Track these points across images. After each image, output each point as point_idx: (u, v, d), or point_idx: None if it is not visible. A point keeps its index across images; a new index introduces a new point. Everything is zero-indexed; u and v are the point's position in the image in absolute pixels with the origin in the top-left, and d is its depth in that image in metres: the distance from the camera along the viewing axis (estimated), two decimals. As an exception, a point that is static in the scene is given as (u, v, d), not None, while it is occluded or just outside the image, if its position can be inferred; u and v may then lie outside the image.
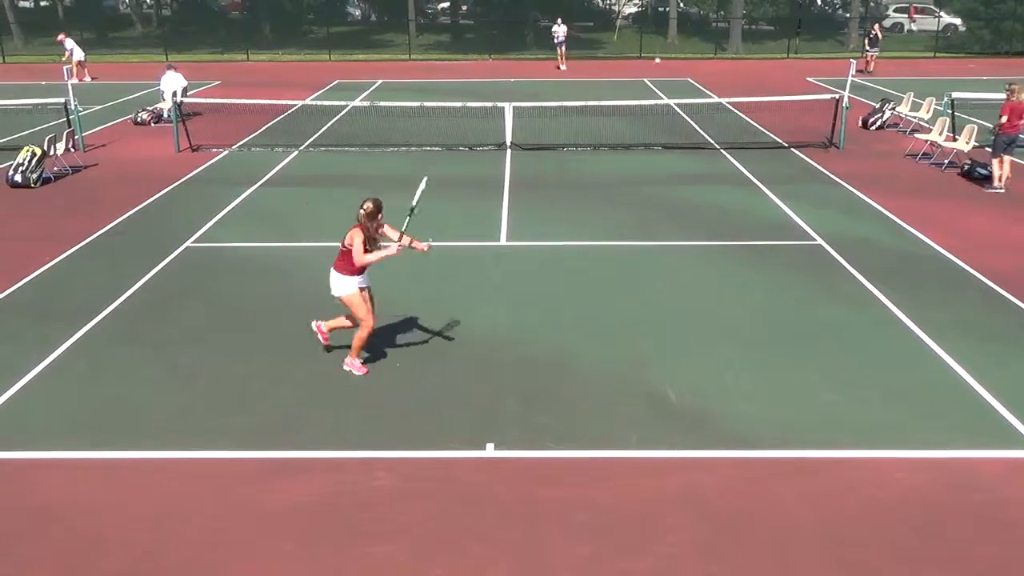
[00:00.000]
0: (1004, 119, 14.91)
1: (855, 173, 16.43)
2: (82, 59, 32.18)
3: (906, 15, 50.51)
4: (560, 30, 35.45)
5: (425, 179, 8.93)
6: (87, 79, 31.82)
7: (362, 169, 17.28)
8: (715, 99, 24.14)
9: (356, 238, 8.10)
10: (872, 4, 48.26)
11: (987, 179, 15.35)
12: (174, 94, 20.04)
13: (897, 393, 7.97)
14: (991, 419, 7.53)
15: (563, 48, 35.81)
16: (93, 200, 14.97)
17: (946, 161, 16.99)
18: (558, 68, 35.60)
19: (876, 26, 35.37)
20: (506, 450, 7.08)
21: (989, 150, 15.46)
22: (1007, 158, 15.13)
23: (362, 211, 8.14)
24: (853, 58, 23.57)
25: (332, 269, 8.25)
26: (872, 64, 32.82)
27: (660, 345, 9.03)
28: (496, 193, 15.17)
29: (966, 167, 16.09)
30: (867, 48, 33.14)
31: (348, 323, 8.55)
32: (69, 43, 31.98)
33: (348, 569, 5.73)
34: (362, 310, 8.25)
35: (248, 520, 6.23)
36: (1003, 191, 15.01)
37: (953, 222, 13.30)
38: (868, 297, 10.31)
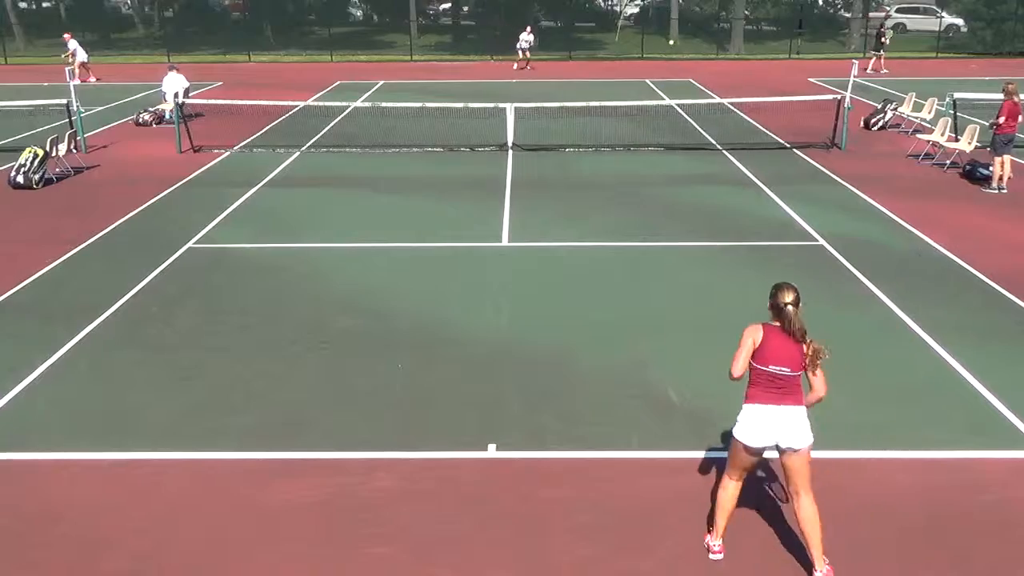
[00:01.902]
0: (1001, 120, 14.94)
1: (857, 174, 16.42)
2: (85, 60, 32.18)
3: (908, 15, 50.47)
4: (529, 38, 35.61)
5: None
6: (92, 80, 31.84)
7: (364, 170, 17.29)
8: (717, 99, 24.13)
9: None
10: (874, 4, 48.20)
11: (989, 179, 15.33)
12: (176, 95, 20.05)
13: (898, 393, 7.97)
14: (993, 419, 7.52)
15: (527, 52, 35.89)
16: (95, 201, 14.99)
17: (948, 161, 16.97)
18: (524, 68, 35.65)
19: (882, 26, 35.47)
20: (507, 451, 7.08)
21: (990, 150, 15.46)
22: (1007, 158, 15.13)
23: (791, 306, 5.49)
24: (855, 58, 23.56)
25: (788, 407, 5.55)
26: (871, 65, 32.88)
27: (661, 345, 9.03)
28: (497, 194, 15.17)
29: (968, 168, 16.07)
30: (882, 45, 33.26)
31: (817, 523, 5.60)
32: (72, 43, 31.99)
33: (349, 570, 5.73)
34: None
35: (249, 521, 6.23)
36: (1005, 191, 15.01)
37: (955, 222, 13.29)
38: (870, 297, 10.30)
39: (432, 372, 8.47)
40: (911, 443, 7.15)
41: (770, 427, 5.54)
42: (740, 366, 5.60)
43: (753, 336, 5.58)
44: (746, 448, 5.64)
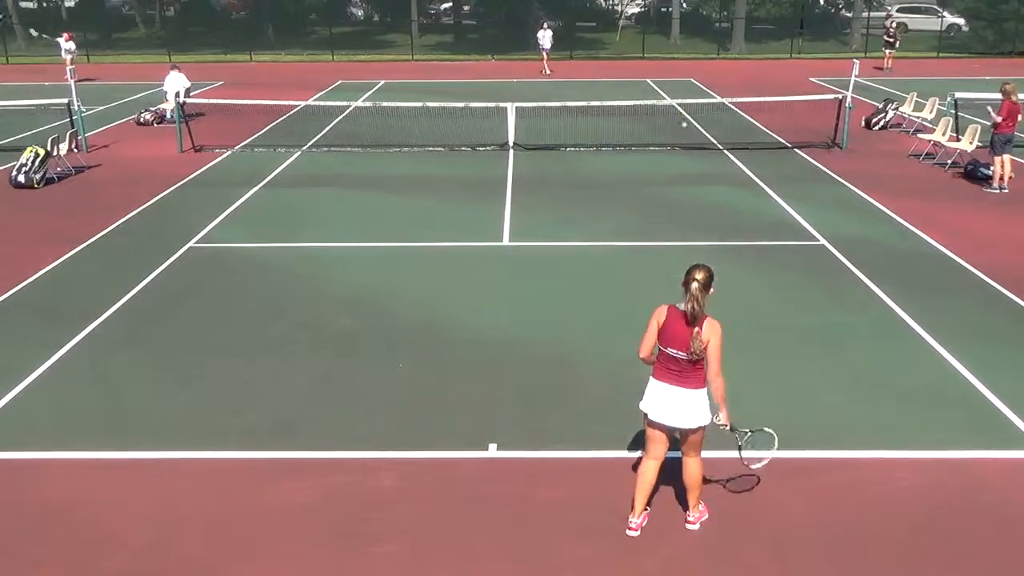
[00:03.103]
0: (999, 119, 14.96)
1: (858, 173, 16.41)
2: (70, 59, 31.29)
3: (909, 15, 50.42)
4: (547, 35, 34.61)
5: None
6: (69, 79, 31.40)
7: (365, 169, 17.30)
8: (718, 99, 24.11)
9: (716, 334, 5.59)
10: (875, 3, 48.18)
11: (990, 179, 15.33)
12: (177, 94, 20.06)
13: (899, 393, 7.96)
14: (994, 419, 7.52)
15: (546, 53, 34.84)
16: (96, 201, 14.99)
17: (949, 161, 16.96)
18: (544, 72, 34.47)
19: (893, 24, 35.53)
20: (508, 450, 7.08)
21: (988, 150, 15.46)
22: (1007, 157, 15.13)
23: (697, 283, 5.55)
24: (857, 57, 23.52)
25: (683, 389, 5.69)
26: (890, 62, 33.01)
27: (662, 345, 9.01)
28: (498, 193, 15.17)
29: (969, 167, 16.06)
30: (890, 44, 33.32)
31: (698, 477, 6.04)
32: (64, 44, 31.61)
33: (349, 569, 5.73)
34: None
35: (249, 520, 6.23)
36: (1006, 191, 15.01)
37: (956, 222, 13.28)
38: (871, 297, 10.29)
39: (432, 372, 8.47)
40: (912, 443, 7.15)
41: (666, 405, 5.75)
42: (644, 349, 5.84)
43: (658, 318, 5.74)
44: (647, 420, 5.88)
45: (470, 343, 9.08)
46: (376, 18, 54.35)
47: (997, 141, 15.10)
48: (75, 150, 17.89)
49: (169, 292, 10.65)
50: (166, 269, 11.42)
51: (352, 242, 12.62)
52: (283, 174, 16.92)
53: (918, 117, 20.50)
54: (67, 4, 50.41)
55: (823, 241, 12.34)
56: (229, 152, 18.90)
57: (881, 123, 21.14)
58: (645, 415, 5.91)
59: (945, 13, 45.71)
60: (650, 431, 5.94)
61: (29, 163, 15.83)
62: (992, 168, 15.26)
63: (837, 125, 18.94)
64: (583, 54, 41.80)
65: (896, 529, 6.06)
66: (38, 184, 15.81)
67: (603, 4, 56.68)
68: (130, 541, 6.01)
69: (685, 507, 6.11)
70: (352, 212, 14.24)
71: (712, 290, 5.65)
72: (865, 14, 43.56)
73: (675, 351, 5.64)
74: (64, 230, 13.12)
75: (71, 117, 18.83)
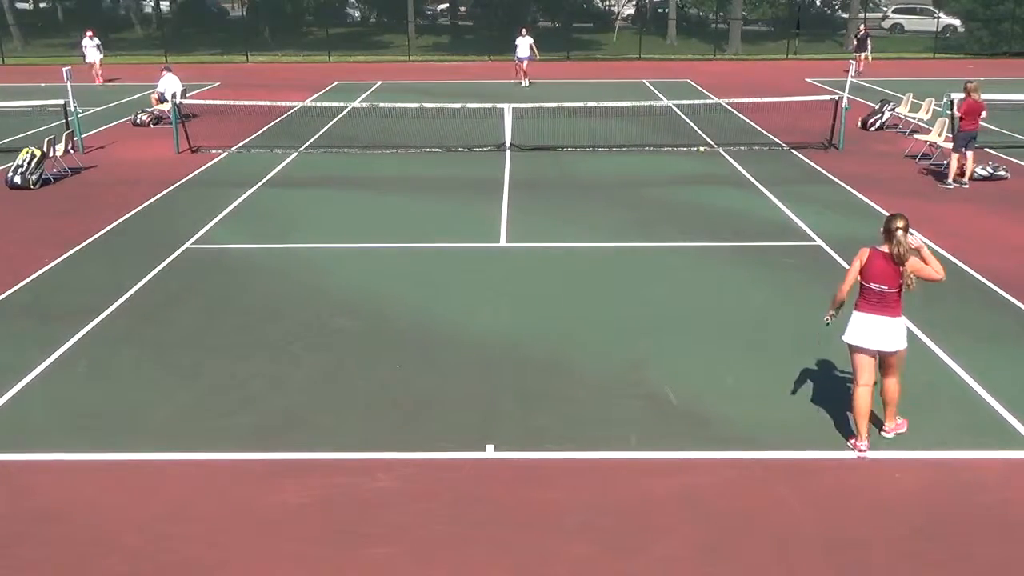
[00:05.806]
0: (959, 114, 15.30)
1: (854, 174, 16.44)
2: (95, 60, 32.02)
3: (905, 16, 50.51)
4: (524, 41, 30.60)
5: None
6: (98, 81, 31.72)
7: (362, 170, 17.29)
8: (714, 100, 24.13)
9: (918, 259, 6.66)
10: (872, 4, 48.27)
11: (985, 179, 15.45)
12: (173, 96, 20.05)
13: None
14: (991, 419, 7.53)
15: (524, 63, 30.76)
16: (92, 202, 14.97)
17: (945, 162, 16.98)
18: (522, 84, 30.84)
19: (863, 27, 35.42)
20: (505, 451, 7.09)
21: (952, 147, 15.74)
22: (969, 155, 15.44)
23: (900, 230, 6.58)
24: (852, 58, 23.57)
25: (887, 318, 6.71)
26: (862, 65, 32.63)
27: (660, 346, 9.03)
28: (495, 194, 15.17)
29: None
30: (863, 48, 33.08)
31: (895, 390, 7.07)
32: (86, 42, 31.92)
33: (348, 570, 5.73)
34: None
35: (248, 521, 6.23)
36: (966, 187, 15.25)
37: (952, 222, 13.30)
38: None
39: (430, 372, 8.47)
40: (910, 443, 7.15)
41: (869, 332, 6.71)
42: (847, 286, 6.90)
43: (860, 258, 6.80)
44: (852, 348, 6.83)
45: (467, 344, 9.08)
46: (373, 19, 54.30)
47: (960, 138, 15.32)
48: (71, 151, 17.84)
49: (167, 293, 10.64)
50: (163, 270, 11.41)
51: (349, 243, 12.62)
52: (280, 175, 16.91)
53: (914, 118, 20.53)
54: (65, 2, 50.34)
55: (820, 242, 12.36)
56: (226, 153, 18.89)
57: (877, 124, 21.18)
58: (851, 346, 6.84)
59: (941, 14, 45.77)
60: (858, 360, 6.84)
61: (25, 164, 15.80)
62: (947, 163, 15.56)
63: (833, 126, 18.97)
64: (579, 55, 41.82)
65: (895, 529, 6.07)
66: (34, 185, 15.79)
67: (599, 5, 56.71)
68: (128, 542, 6.00)
69: (879, 424, 7.14)
70: (349, 213, 14.23)
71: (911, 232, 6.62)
72: (861, 15, 43.60)
73: (879, 286, 6.66)
74: (61, 231, 13.10)
75: (67, 118, 18.78)
